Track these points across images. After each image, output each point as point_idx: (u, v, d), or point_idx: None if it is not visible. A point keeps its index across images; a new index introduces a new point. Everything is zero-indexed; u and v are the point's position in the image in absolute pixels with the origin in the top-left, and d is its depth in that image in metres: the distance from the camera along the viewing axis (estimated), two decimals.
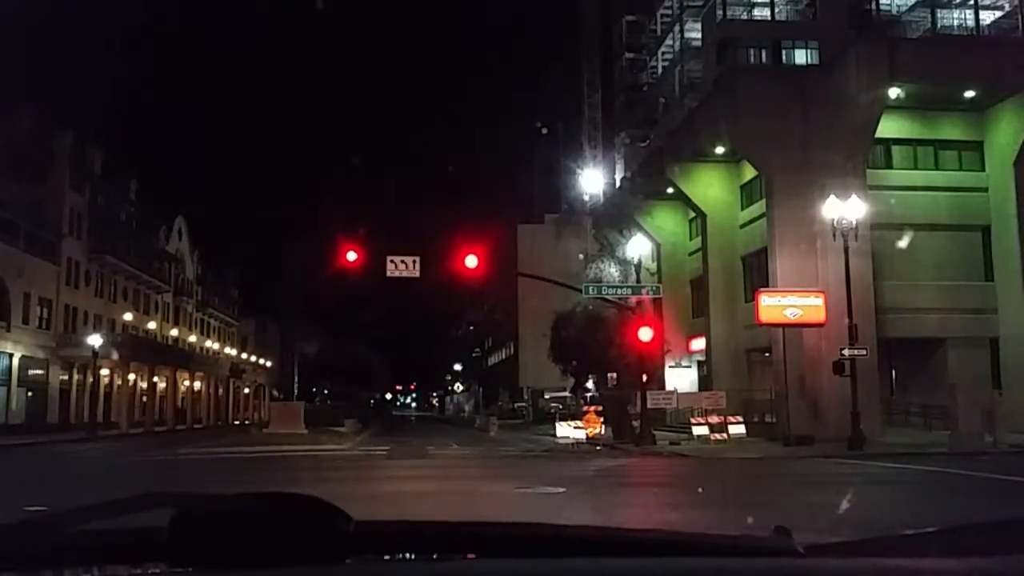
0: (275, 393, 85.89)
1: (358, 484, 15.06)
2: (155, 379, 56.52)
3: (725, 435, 26.42)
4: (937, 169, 30.70)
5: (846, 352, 22.84)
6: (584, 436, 27.93)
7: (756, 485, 15.46)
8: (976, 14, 39.18)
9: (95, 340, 42.42)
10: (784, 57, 40.49)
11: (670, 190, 36.13)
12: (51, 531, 1.50)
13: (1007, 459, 19.03)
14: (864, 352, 23.26)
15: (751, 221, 32.78)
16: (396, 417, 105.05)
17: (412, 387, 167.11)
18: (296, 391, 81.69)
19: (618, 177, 50.55)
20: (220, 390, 73.90)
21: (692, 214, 37.43)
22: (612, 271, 34.85)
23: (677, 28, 47.25)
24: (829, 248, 25.39)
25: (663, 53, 50.60)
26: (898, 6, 40.87)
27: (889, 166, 30.53)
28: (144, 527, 1.36)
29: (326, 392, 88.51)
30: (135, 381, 54.40)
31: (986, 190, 30.22)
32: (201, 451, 27.53)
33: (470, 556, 1.47)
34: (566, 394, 49.82)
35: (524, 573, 1.33)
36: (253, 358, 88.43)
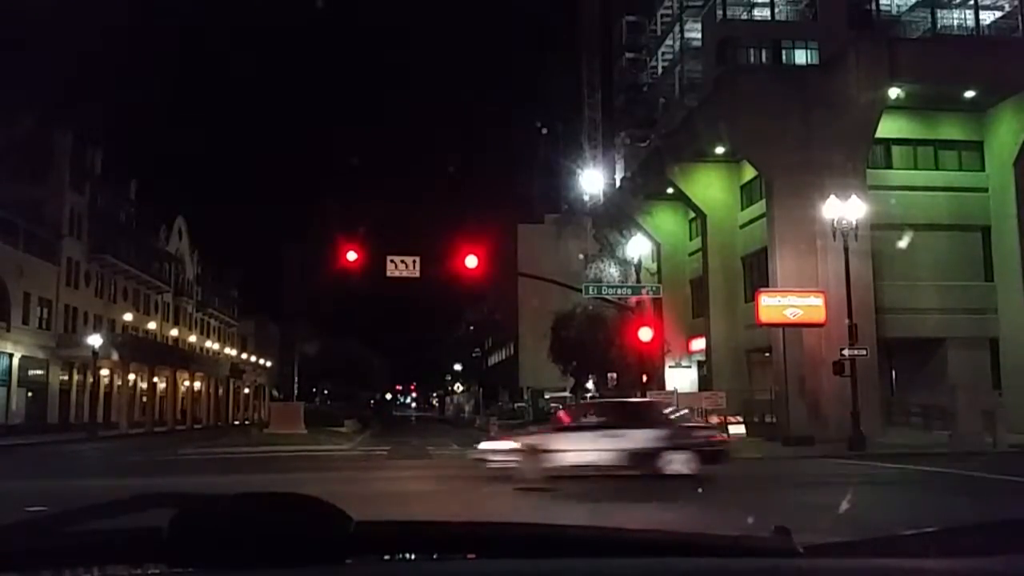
0: (275, 393, 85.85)
1: (358, 484, 15.06)
2: (155, 379, 56.49)
3: (725, 435, 26.36)
4: (937, 169, 30.71)
5: (846, 352, 22.84)
6: None
7: (756, 485, 15.46)
8: (976, 14, 39.13)
9: (95, 340, 42.40)
10: (784, 57, 40.44)
11: (670, 190, 36.12)
12: (51, 531, 1.50)
13: (1007, 459, 19.05)
14: (864, 352, 23.26)
15: (751, 221, 32.78)
16: (396, 417, 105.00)
17: (412, 387, 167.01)
18: (296, 391, 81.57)
19: (618, 177, 50.51)
20: (220, 390, 73.87)
21: (692, 214, 37.43)
22: (612, 271, 34.86)
23: (677, 28, 47.20)
24: (829, 248, 25.40)
25: (663, 53, 50.54)
26: (898, 6, 40.82)
27: (889, 166, 30.54)
28: (144, 527, 1.36)
29: (326, 392, 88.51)
30: (135, 381, 54.39)
31: (986, 190, 30.23)
32: (201, 451, 27.53)
33: (470, 556, 1.47)
34: (566, 394, 49.76)
35: (524, 573, 1.33)
36: (253, 358, 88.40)
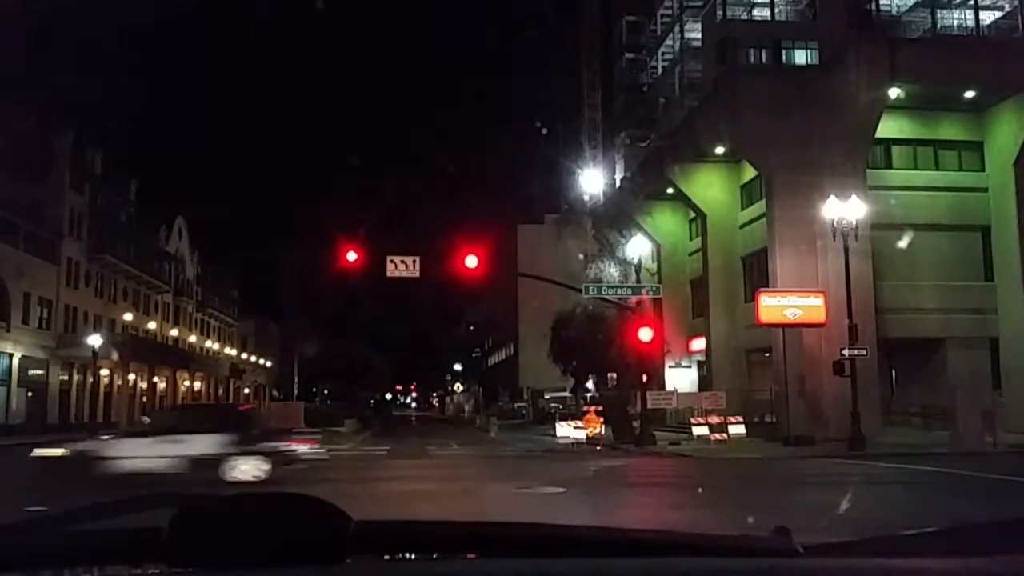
0: (275, 393, 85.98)
1: (358, 484, 15.05)
2: (155, 379, 56.53)
3: (725, 435, 26.40)
4: (937, 169, 30.72)
5: (846, 352, 22.84)
6: (584, 436, 27.89)
7: (756, 485, 15.47)
8: (976, 14, 39.10)
9: (95, 340, 42.38)
10: (784, 57, 40.44)
11: (670, 190, 36.13)
12: (51, 531, 1.50)
13: (1006, 459, 19.06)
14: (864, 352, 23.26)
15: (751, 221, 32.78)
16: (396, 417, 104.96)
17: (412, 387, 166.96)
18: (296, 391, 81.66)
19: (618, 177, 50.51)
20: (220, 390, 73.91)
21: (692, 214, 37.44)
22: (612, 271, 34.74)
23: (677, 28, 47.21)
24: (829, 248, 25.40)
25: (663, 53, 50.56)
26: (898, 6, 40.81)
27: (889, 166, 30.55)
28: (144, 527, 1.36)
29: (326, 392, 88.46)
30: (135, 381, 54.40)
31: (986, 190, 30.23)
32: None
33: (470, 556, 1.47)
34: (566, 394, 49.77)
35: (524, 573, 1.33)
36: (253, 358, 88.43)
